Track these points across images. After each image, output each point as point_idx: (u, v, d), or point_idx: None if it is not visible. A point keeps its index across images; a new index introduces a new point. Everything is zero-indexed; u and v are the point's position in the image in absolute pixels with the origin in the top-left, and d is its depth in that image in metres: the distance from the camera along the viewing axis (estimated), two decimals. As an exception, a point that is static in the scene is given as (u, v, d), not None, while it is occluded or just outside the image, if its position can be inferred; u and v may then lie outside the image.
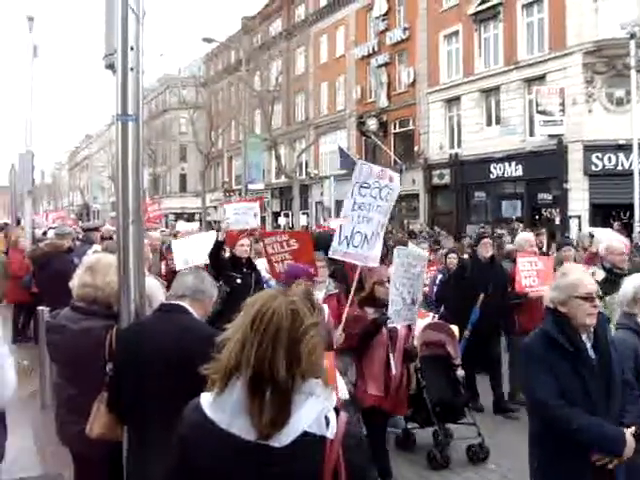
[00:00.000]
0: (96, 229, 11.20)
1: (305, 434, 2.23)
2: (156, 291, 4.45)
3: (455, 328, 8.63)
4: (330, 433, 2.26)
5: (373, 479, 2.49)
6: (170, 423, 3.43)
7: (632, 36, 24.29)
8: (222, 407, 2.29)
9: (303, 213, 43.72)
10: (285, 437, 2.22)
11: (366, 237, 7.29)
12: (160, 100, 76.14)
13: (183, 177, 71.71)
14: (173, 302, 3.84)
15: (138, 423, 3.73)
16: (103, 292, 4.26)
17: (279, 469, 2.23)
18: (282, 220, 44.32)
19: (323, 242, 8.93)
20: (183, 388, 3.39)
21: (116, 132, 3.77)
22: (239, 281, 8.95)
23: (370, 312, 6.89)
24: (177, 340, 3.57)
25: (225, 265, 9.22)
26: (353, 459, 2.30)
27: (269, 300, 2.35)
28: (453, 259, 12.21)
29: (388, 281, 7.08)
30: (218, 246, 9.24)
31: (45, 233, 17.07)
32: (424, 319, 8.49)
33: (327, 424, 2.28)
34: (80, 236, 13.10)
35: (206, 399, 2.35)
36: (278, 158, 44.36)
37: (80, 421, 3.98)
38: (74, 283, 4.37)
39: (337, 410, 2.37)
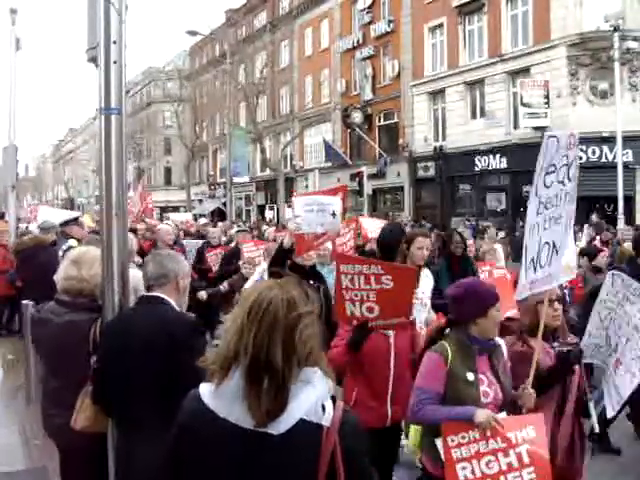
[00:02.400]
0: (75, 220, 10.80)
1: (302, 422, 2.27)
2: (141, 284, 4.45)
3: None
4: (326, 421, 2.30)
5: (369, 467, 2.50)
6: (154, 414, 3.46)
7: (616, 29, 24.45)
8: (221, 396, 2.33)
9: (289, 206, 43.70)
10: (282, 425, 2.26)
11: (554, 246, 4.88)
12: (144, 93, 75.81)
13: (168, 170, 71.45)
14: (150, 294, 3.85)
15: (123, 415, 3.75)
16: (88, 285, 4.26)
17: (276, 456, 2.27)
18: (268, 214, 44.30)
19: None
20: (166, 378, 3.43)
21: (99, 125, 3.78)
22: None
23: (547, 346, 4.81)
24: (158, 331, 3.58)
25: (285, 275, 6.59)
26: (350, 446, 2.33)
27: (265, 290, 2.39)
28: None
29: (557, 300, 4.99)
30: (283, 255, 6.65)
31: (27, 227, 16.99)
32: None
33: (324, 412, 2.32)
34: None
35: (206, 389, 2.40)
36: (263, 151, 44.39)
37: (65, 414, 3.99)
38: (59, 276, 4.37)
39: (334, 398, 2.41)
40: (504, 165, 31.30)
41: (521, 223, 30.02)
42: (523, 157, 29.45)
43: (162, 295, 3.80)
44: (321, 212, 6.92)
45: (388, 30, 38.95)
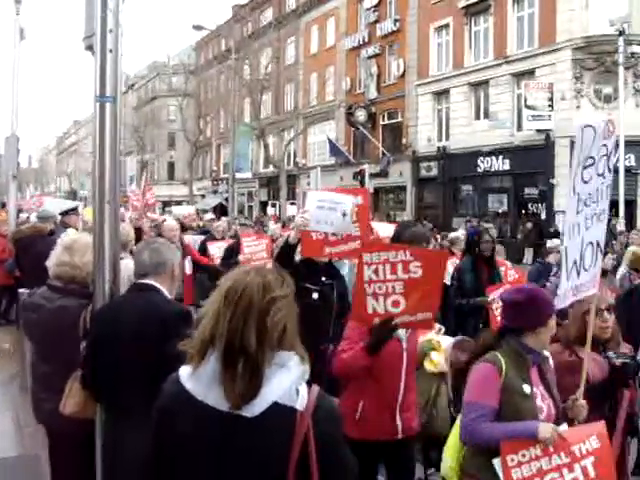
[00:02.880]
0: (74, 210, 10.75)
1: (276, 405, 2.30)
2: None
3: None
4: (300, 405, 2.33)
5: (344, 453, 2.52)
6: (142, 400, 3.48)
7: (621, 33, 24.43)
8: (198, 379, 2.38)
9: (291, 203, 43.72)
10: (256, 408, 2.29)
11: (598, 245, 4.54)
12: (149, 87, 75.80)
13: (171, 165, 71.45)
14: (142, 281, 3.88)
15: (112, 401, 3.78)
16: (80, 271, 4.29)
17: (250, 439, 2.31)
18: (270, 210, 44.29)
19: None
20: (155, 365, 3.45)
21: (94, 113, 3.80)
22: (316, 296, 6.22)
23: (597, 356, 4.55)
24: (148, 318, 3.62)
25: (296, 273, 5.19)
26: (324, 432, 2.35)
27: (241, 275, 2.43)
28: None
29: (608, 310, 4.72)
30: (287, 250, 6.06)
31: (28, 217, 17.00)
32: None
33: (298, 396, 2.35)
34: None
35: (185, 372, 2.44)
36: (266, 147, 44.36)
37: (54, 398, 4.02)
38: (51, 262, 4.40)
39: (310, 383, 2.43)
40: (507, 167, 31.28)
41: (522, 226, 30.12)
42: (526, 159, 29.53)
43: (154, 283, 3.83)
44: (332, 210, 6.35)
45: (394, 29, 38.94)
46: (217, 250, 11.47)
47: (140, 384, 3.53)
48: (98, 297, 3.90)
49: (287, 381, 2.34)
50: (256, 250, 10.01)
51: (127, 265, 4.50)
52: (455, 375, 5.49)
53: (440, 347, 5.61)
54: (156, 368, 3.41)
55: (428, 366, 5.53)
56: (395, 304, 4.21)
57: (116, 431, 3.74)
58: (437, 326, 6.32)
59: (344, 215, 6.24)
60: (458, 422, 3.92)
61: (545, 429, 3.60)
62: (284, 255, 5.93)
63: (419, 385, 5.26)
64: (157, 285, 3.84)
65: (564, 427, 3.77)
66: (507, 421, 3.68)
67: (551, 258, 11.84)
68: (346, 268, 7.68)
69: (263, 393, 2.30)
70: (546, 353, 4.02)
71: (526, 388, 3.75)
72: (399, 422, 4.62)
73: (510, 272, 8.76)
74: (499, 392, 3.70)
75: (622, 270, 10.13)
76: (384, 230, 10.44)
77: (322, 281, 6.32)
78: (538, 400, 3.79)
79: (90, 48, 3.87)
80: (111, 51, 3.75)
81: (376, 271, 4.18)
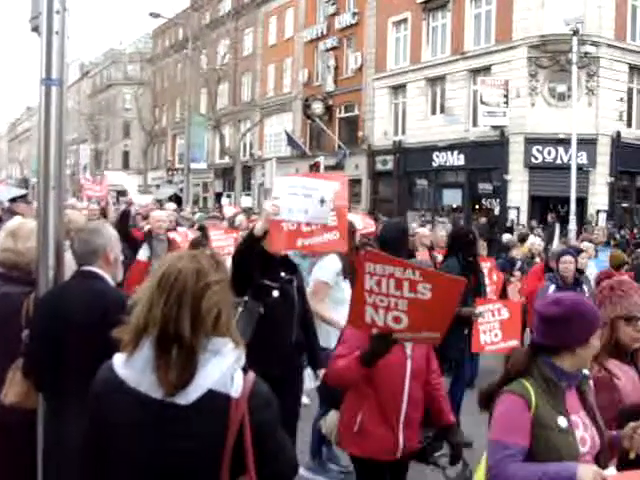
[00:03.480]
0: (23, 197, 10.43)
1: (210, 392, 2.29)
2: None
3: None
4: (235, 392, 2.31)
5: (281, 440, 2.51)
6: (85, 388, 3.41)
7: (575, 32, 24.72)
8: (132, 366, 2.36)
9: (246, 194, 43.55)
10: (190, 395, 2.28)
11: None
12: (104, 75, 74.88)
13: (126, 154, 70.65)
14: (85, 269, 3.81)
15: (54, 390, 3.72)
16: (24, 257, 4.19)
17: (185, 426, 2.29)
18: (225, 201, 44.06)
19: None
20: (98, 353, 3.39)
21: (39, 96, 3.72)
22: (276, 293, 5.56)
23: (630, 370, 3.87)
24: (90, 306, 3.57)
25: (252, 269, 5.42)
26: (259, 419, 2.35)
27: (175, 261, 2.41)
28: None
29: None
30: (251, 243, 5.33)
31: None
32: None
33: (233, 383, 2.33)
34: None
35: (118, 359, 2.42)
36: (222, 138, 44.11)
37: (-5, 388, 3.93)
38: None
39: (245, 370, 2.41)
40: (462, 162, 31.55)
41: (476, 221, 30.40)
42: (480, 155, 29.82)
43: (97, 270, 3.76)
44: (307, 197, 5.56)
45: (352, 22, 38.95)
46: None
47: (84, 372, 3.46)
48: (42, 284, 3.82)
49: (222, 368, 2.32)
50: (224, 244, 9.60)
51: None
52: None
53: None
54: (99, 356, 3.36)
55: None
56: (396, 320, 3.75)
57: (58, 420, 3.68)
58: None
59: (322, 202, 5.77)
60: (484, 461, 3.30)
61: (586, 473, 2.92)
62: (246, 249, 5.36)
63: None
64: (99, 272, 3.78)
65: (612, 471, 3.10)
66: (541, 460, 3.06)
67: (514, 252, 12.02)
68: (306, 263, 7.44)
69: (197, 380, 2.28)
70: (586, 372, 3.38)
71: (561, 421, 3.14)
72: (401, 439, 4.24)
73: (503, 310, 8.12)
74: (529, 428, 3.10)
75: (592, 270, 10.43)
76: (357, 222, 10.31)
77: (281, 277, 5.66)
78: (579, 431, 3.19)
79: (36, 29, 3.79)
80: (57, 32, 3.66)
81: (379, 283, 3.69)
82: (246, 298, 5.37)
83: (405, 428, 4.23)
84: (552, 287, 8.48)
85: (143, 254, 8.99)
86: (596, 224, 24.06)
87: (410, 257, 5.47)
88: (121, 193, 49.00)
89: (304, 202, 5.55)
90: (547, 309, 3.26)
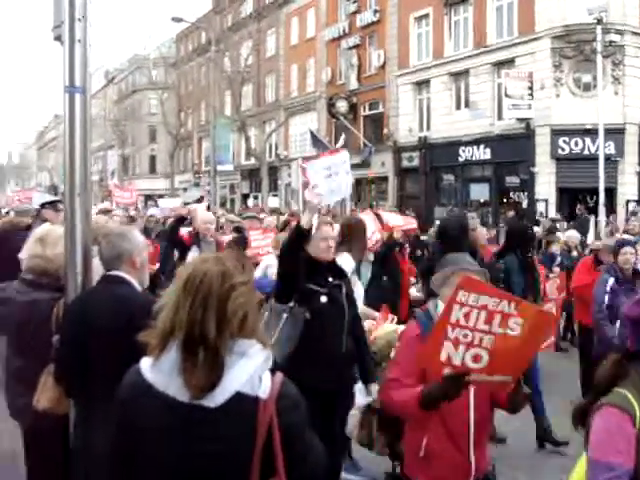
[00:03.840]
0: (52, 203, 10.44)
1: (238, 394, 2.29)
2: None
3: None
4: (263, 393, 2.31)
5: (310, 441, 2.50)
6: (112, 394, 3.45)
7: (599, 21, 24.43)
8: (159, 370, 2.36)
9: (273, 195, 43.67)
10: (218, 397, 2.28)
11: None
12: (130, 80, 75.38)
13: (153, 158, 71.07)
14: (111, 273, 3.84)
15: (82, 395, 3.75)
16: (53, 264, 4.24)
17: (213, 429, 2.29)
18: (251, 202, 44.20)
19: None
20: (124, 358, 3.42)
21: (63, 104, 3.76)
22: (324, 299, 5.29)
23: None
24: (117, 311, 3.59)
25: (298, 271, 5.24)
26: (288, 420, 2.34)
27: (200, 264, 2.42)
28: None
29: None
30: (299, 240, 5.16)
31: (8, 213, 16.88)
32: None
33: (261, 384, 2.33)
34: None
35: (146, 363, 2.43)
36: (247, 139, 44.24)
37: (28, 393, 3.99)
38: (24, 254, 4.36)
39: (273, 371, 2.41)
40: (488, 156, 31.35)
41: (503, 215, 30.21)
42: (506, 148, 29.62)
43: (123, 274, 3.79)
44: (337, 174, 6.14)
45: (374, 20, 38.86)
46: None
47: (109, 377, 3.49)
48: (70, 290, 3.87)
49: (249, 369, 2.32)
50: (263, 244, 9.63)
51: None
52: None
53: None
54: (125, 361, 3.39)
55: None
56: (476, 359, 3.30)
57: (86, 426, 3.72)
58: (390, 317, 6.09)
59: (347, 173, 5.85)
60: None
61: None
62: (295, 247, 5.16)
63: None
64: (125, 276, 3.80)
65: None
66: None
67: (554, 248, 11.83)
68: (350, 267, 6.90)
69: (224, 382, 2.28)
70: None
71: None
72: (473, 461, 3.81)
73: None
74: (634, 446, 2.63)
75: None
76: (394, 220, 10.29)
77: (329, 282, 5.39)
78: None
79: (59, 38, 3.83)
80: (80, 41, 3.71)
81: (467, 315, 3.22)
82: (292, 304, 5.22)
83: (475, 448, 3.81)
84: (611, 280, 8.03)
85: (192, 256, 8.52)
86: (634, 214, 23.59)
87: (473, 255, 5.03)
88: (149, 197, 49.43)
89: (339, 180, 5.85)
90: (636, 311, 2.84)
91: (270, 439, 2.30)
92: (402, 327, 5.01)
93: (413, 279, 10.08)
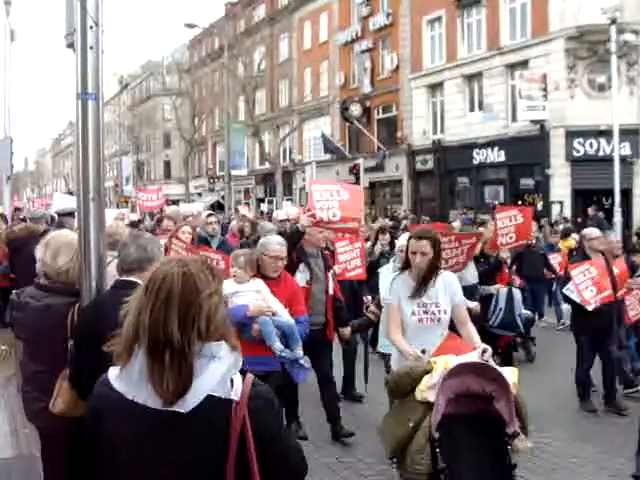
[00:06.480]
0: (71, 214, 10.67)
1: (210, 398, 2.25)
2: None
3: (514, 371, 4.85)
4: (235, 396, 2.28)
5: (285, 441, 2.48)
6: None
7: (613, 21, 24.32)
8: (127, 378, 2.31)
9: (287, 199, 43.71)
10: (189, 402, 2.23)
11: None
12: (143, 87, 75.76)
13: (167, 164, 71.34)
14: (125, 278, 3.84)
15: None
16: (49, 268, 4.27)
17: (187, 434, 2.25)
18: (265, 207, 44.27)
19: None
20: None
21: (76, 110, 3.79)
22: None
23: None
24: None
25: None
26: (262, 421, 2.31)
27: (162, 266, 2.36)
28: None
29: None
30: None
31: (24, 219, 16.97)
32: (457, 355, 4.86)
33: (232, 387, 2.29)
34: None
35: (113, 372, 2.38)
36: (261, 144, 44.34)
37: (44, 397, 4.02)
38: (37, 260, 4.41)
39: (244, 372, 2.38)
40: (502, 158, 31.27)
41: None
42: (521, 150, 29.53)
43: (136, 280, 3.79)
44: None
45: (387, 23, 38.88)
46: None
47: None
48: (84, 295, 3.89)
49: (219, 372, 2.27)
50: (349, 258, 8.91)
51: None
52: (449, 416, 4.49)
53: (436, 370, 4.62)
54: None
55: (416, 393, 4.65)
56: None
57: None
58: (482, 346, 5.05)
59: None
60: None
61: None
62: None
63: (399, 414, 4.74)
64: (139, 282, 3.79)
65: None
66: None
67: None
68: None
69: (195, 386, 2.23)
70: None
71: None
72: None
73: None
74: None
75: None
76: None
77: None
78: None
79: (71, 45, 3.86)
80: (92, 48, 3.73)
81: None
82: None
83: None
84: None
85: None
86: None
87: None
88: (176, 202, 49.62)
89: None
90: None
91: (244, 442, 2.26)
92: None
93: None
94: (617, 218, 22.95)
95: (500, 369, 4.61)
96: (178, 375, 2.22)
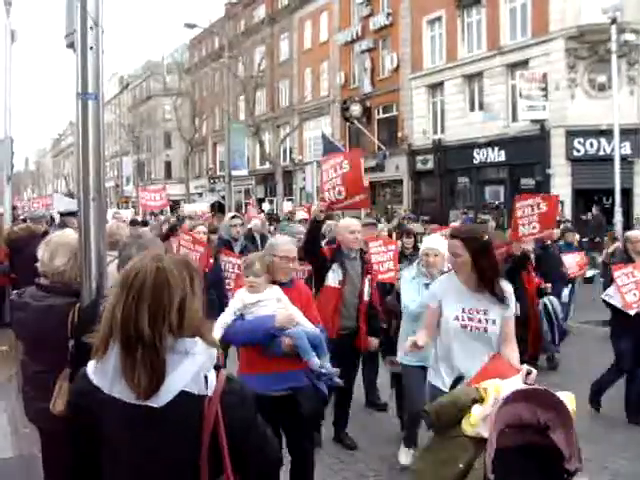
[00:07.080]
0: (73, 214, 10.72)
1: (183, 393, 2.26)
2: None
3: (571, 397, 3.89)
4: (209, 392, 2.30)
5: (260, 435, 2.49)
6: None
7: (613, 21, 24.29)
8: (103, 372, 2.33)
9: (288, 199, 43.69)
10: (163, 397, 2.25)
11: None
12: (144, 87, 75.76)
13: (168, 164, 71.38)
14: None
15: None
16: (47, 268, 4.26)
17: (160, 429, 2.27)
18: (266, 206, 44.25)
19: None
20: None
21: (76, 111, 3.79)
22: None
23: None
24: None
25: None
26: (234, 416, 2.33)
27: (136, 262, 2.38)
28: None
29: None
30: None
31: (25, 220, 16.99)
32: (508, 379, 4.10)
33: (207, 383, 2.31)
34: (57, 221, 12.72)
35: (91, 366, 2.40)
36: (262, 144, 44.33)
37: (45, 397, 4.01)
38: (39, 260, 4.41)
39: (218, 368, 2.39)
40: (502, 158, 31.27)
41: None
42: (521, 150, 29.54)
43: None
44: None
45: (387, 23, 38.89)
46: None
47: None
48: (84, 295, 3.88)
49: (193, 368, 2.29)
50: (383, 260, 8.61)
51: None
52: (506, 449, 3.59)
53: (487, 399, 3.85)
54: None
55: (465, 427, 3.82)
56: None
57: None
58: (525, 368, 4.30)
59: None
60: None
61: None
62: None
63: (443, 451, 3.85)
64: None
65: None
66: None
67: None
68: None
69: (169, 382, 2.25)
70: None
71: None
72: None
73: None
74: None
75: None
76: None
77: None
78: None
79: (71, 46, 3.86)
80: (92, 48, 3.72)
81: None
82: None
83: None
84: None
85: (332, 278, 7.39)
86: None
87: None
88: (177, 203, 49.57)
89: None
90: None
91: (217, 437, 2.29)
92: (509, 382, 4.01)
93: None
94: (617, 218, 22.92)
95: (558, 394, 3.79)
96: (150, 370, 2.23)
